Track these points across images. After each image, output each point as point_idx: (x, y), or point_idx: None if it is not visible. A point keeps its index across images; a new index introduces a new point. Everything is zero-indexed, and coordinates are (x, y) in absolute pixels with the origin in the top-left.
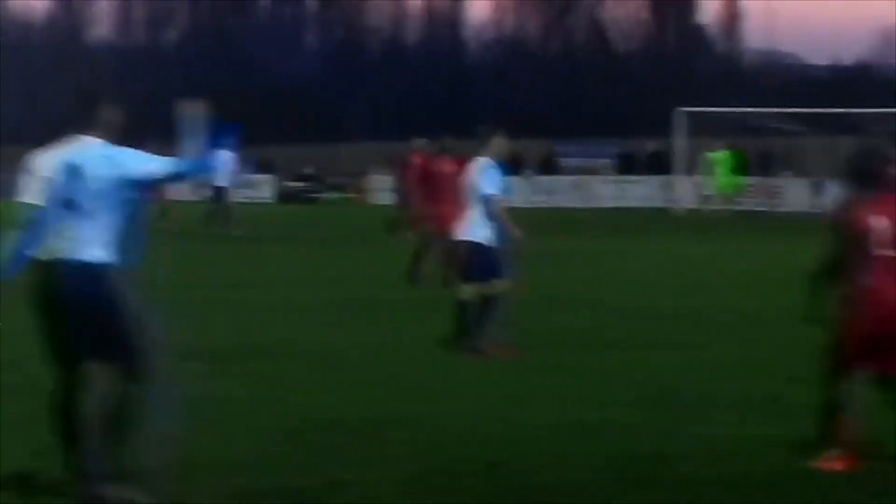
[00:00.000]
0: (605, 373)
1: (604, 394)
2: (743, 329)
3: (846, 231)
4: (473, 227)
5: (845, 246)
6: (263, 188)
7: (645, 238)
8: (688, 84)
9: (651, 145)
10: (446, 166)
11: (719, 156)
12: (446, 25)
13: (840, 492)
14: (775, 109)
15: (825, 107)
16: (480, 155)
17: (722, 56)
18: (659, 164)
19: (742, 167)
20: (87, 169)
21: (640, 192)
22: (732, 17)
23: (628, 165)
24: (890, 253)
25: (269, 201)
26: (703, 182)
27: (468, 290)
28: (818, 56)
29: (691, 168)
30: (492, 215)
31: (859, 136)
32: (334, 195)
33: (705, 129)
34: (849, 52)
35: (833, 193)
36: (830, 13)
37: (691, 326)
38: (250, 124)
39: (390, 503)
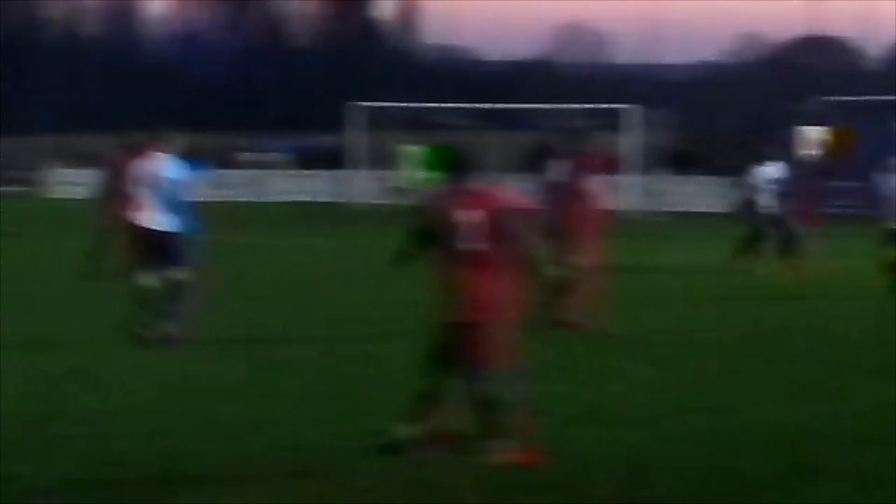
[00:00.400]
0: (280, 366)
1: (279, 387)
2: (418, 322)
3: (436, 223)
4: (157, 217)
5: (435, 237)
6: None
7: (320, 232)
8: (364, 79)
9: (327, 140)
10: (130, 159)
11: (415, 151)
12: (124, 20)
13: (499, 481)
14: (452, 105)
15: (502, 102)
16: (161, 149)
17: (399, 51)
18: (335, 159)
19: (445, 163)
20: None
21: (316, 186)
22: (409, 13)
23: (305, 160)
24: (472, 246)
25: None
26: (396, 176)
27: (150, 278)
28: (496, 52)
29: (367, 163)
30: (177, 206)
31: (536, 131)
32: (11, 188)
33: (381, 124)
34: (526, 48)
35: (510, 188)
36: (508, 9)
37: (367, 319)
38: None
39: (59, 499)
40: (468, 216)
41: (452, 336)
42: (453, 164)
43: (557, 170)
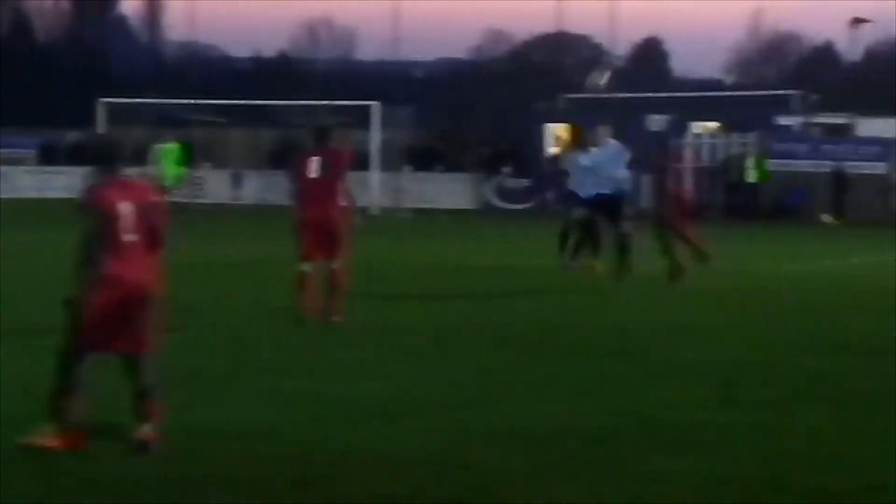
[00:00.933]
0: (32, 359)
1: (26, 381)
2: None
3: (94, 215)
4: None
5: (93, 229)
6: None
7: (64, 228)
8: (110, 75)
9: (73, 136)
10: None
11: (168, 147)
12: None
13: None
14: (197, 101)
15: (247, 99)
16: None
17: (144, 47)
18: (81, 155)
19: (185, 159)
20: None
21: (62, 182)
22: (154, 9)
23: (50, 156)
24: (130, 238)
25: None
26: (145, 172)
27: None
28: (240, 48)
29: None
30: None
31: (280, 128)
32: None
33: (127, 121)
34: (272, 45)
35: (252, 185)
36: (252, 5)
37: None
38: None
39: None
40: (124, 207)
41: (105, 325)
42: (104, 155)
43: (305, 166)
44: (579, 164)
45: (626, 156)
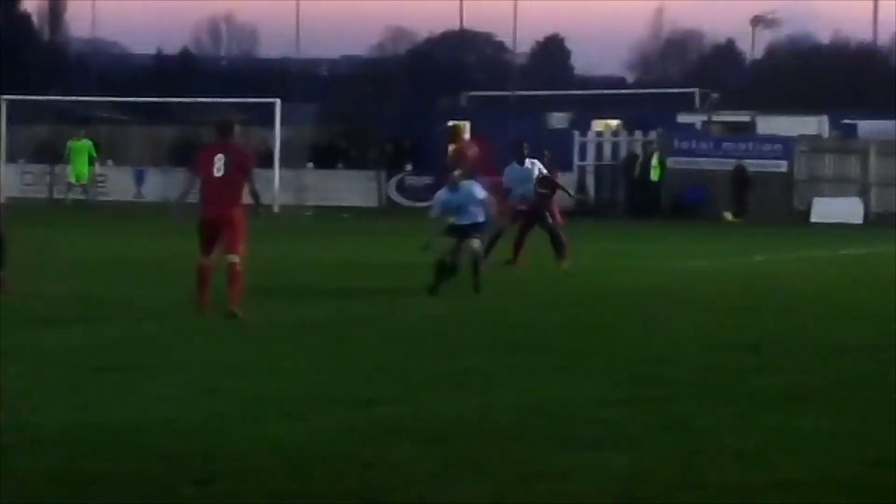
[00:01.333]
0: None
1: None
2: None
3: None
4: None
5: None
6: None
7: None
8: (14, 72)
9: None
10: None
11: (81, 144)
12: None
13: None
14: (100, 98)
15: (149, 96)
16: None
17: (47, 44)
18: None
19: (95, 155)
20: None
21: None
22: (56, 6)
23: None
24: None
25: None
26: (68, 171)
27: None
28: (143, 45)
29: (19, 155)
30: None
31: (182, 125)
32: None
33: (29, 118)
34: (172, 42)
35: (155, 182)
36: (154, 3)
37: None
38: None
39: None
40: None
41: None
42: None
43: (209, 163)
44: (444, 201)
45: (483, 193)
